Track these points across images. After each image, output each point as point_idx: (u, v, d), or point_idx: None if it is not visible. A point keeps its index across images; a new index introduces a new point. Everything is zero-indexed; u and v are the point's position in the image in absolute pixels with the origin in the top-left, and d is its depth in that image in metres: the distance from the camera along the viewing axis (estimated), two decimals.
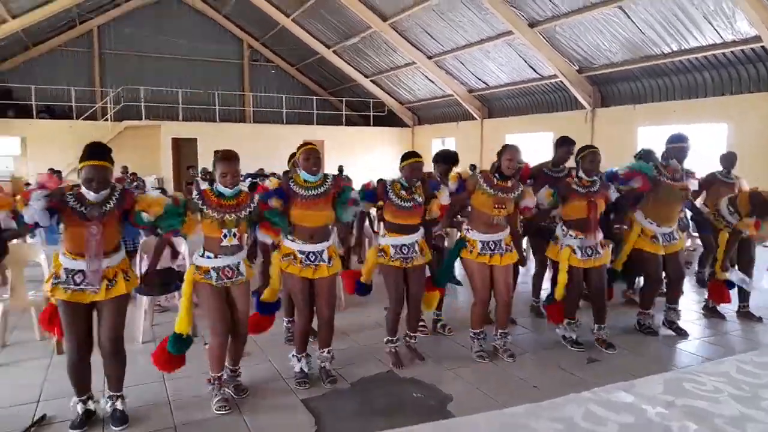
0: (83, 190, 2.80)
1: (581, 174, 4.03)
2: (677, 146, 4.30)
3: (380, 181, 3.88)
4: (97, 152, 2.79)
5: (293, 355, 3.60)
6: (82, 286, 2.84)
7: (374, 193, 3.75)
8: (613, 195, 4.15)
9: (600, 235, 4.11)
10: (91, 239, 2.76)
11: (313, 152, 3.45)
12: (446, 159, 4.53)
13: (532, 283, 5.14)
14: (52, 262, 2.95)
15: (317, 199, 3.41)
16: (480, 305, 3.95)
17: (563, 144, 4.70)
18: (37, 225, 2.76)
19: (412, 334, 4.01)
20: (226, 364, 3.34)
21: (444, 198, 3.83)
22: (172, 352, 3.16)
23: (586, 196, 3.99)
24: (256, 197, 3.33)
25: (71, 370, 2.93)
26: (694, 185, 4.62)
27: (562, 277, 4.08)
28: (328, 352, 3.61)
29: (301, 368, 3.56)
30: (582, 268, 4.08)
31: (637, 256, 4.40)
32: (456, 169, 4.35)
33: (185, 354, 3.23)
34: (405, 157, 3.79)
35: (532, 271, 5.21)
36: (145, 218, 2.95)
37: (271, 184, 3.60)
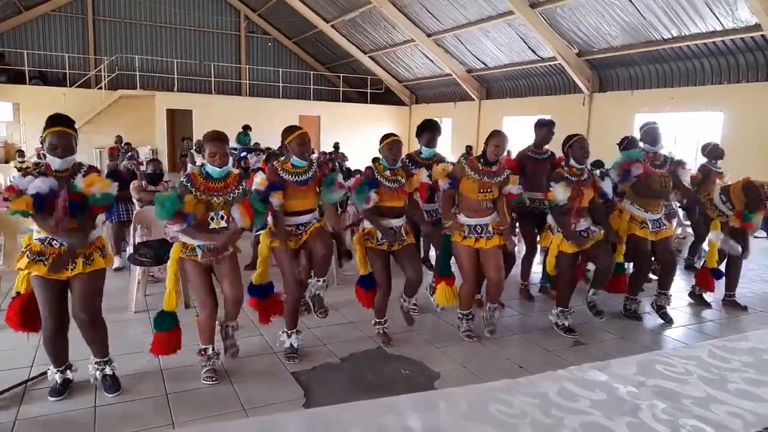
0: (48, 158, 2.82)
1: (572, 162, 4.08)
2: (650, 128, 4.44)
3: (368, 167, 3.90)
4: (59, 120, 2.86)
5: (283, 332, 3.63)
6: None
7: (375, 179, 3.75)
8: (608, 187, 4.20)
9: (588, 221, 4.17)
10: (59, 206, 2.75)
11: (306, 136, 3.50)
12: (428, 127, 4.45)
13: (522, 267, 5.20)
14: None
15: (305, 186, 3.48)
16: (467, 286, 4.00)
17: (543, 125, 4.78)
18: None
19: (409, 299, 4.07)
20: (224, 320, 3.40)
21: (423, 177, 3.92)
22: (158, 330, 3.19)
23: (576, 185, 4.03)
24: (249, 184, 3.37)
25: (48, 344, 2.97)
26: (684, 175, 4.71)
27: (551, 260, 4.20)
28: (324, 282, 3.64)
29: (290, 344, 3.62)
30: (575, 254, 4.12)
31: (628, 241, 4.49)
32: (443, 145, 4.34)
33: (180, 334, 3.25)
34: (383, 138, 3.83)
35: (521, 255, 5.25)
36: (79, 186, 2.81)
37: (259, 180, 3.43)
